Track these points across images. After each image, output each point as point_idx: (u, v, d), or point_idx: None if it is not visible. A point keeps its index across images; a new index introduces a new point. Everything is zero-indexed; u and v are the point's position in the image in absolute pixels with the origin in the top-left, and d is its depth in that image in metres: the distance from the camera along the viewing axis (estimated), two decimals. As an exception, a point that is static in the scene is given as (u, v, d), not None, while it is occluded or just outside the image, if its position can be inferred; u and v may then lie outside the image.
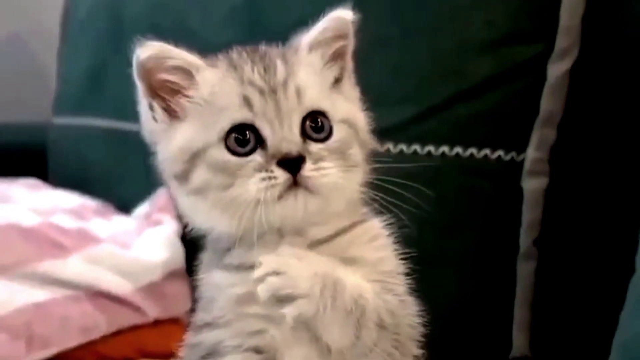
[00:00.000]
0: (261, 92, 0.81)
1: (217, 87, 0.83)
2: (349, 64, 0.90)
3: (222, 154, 0.81)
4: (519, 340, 1.41)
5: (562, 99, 1.39)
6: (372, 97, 1.41)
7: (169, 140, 0.84)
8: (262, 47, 0.87)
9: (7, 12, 2.71)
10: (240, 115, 0.81)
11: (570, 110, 1.38)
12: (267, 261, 0.79)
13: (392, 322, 0.81)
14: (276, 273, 0.78)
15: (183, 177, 0.83)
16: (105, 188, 1.90)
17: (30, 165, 2.10)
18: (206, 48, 1.75)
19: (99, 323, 1.46)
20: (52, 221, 1.58)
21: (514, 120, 1.40)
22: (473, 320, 1.42)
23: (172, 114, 0.85)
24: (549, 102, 1.38)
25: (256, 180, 0.79)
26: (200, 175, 0.82)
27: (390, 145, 1.42)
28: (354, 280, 0.80)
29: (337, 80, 0.88)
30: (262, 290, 0.78)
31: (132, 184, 1.84)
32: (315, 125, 0.83)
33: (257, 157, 0.80)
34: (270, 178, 0.79)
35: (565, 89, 1.39)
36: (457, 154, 1.41)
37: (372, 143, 0.89)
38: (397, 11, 1.45)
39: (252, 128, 0.81)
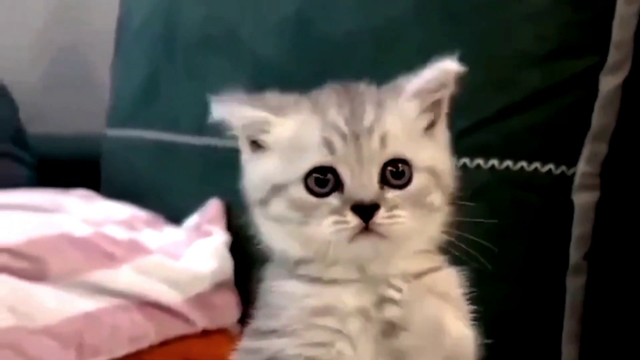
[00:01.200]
0: (343, 136, 0.82)
1: (300, 129, 0.84)
2: (445, 109, 0.90)
3: (300, 193, 0.83)
4: (568, 352, 1.39)
5: (614, 113, 1.37)
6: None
7: (254, 168, 0.87)
8: (360, 87, 0.88)
9: (66, 24, 2.76)
10: (322, 157, 0.82)
11: (621, 124, 1.37)
12: (406, 291, 0.82)
13: None
14: (406, 305, 0.81)
15: (263, 203, 0.86)
16: (156, 199, 1.92)
17: (85, 176, 2.13)
18: (257, 59, 1.77)
19: (147, 332, 1.47)
20: (103, 232, 1.60)
21: (565, 133, 1.38)
22: (522, 332, 1.41)
23: (257, 146, 0.87)
24: (601, 116, 1.37)
25: (329, 223, 0.81)
26: (279, 207, 0.84)
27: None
28: (457, 326, 0.81)
29: (431, 125, 0.88)
30: (389, 312, 0.82)
31: (183, 196, 1.86)
32: (396, 171, 0.83)
33: (333, 200, 0.82)
34: (342, 222, 0.81)
35: (617, 103, 1.37)
36: (507, 167, 1.39)
37: (455, 187, 0.90)
38: (447, 22, 1.44)
39: (333, 170, 0.82)
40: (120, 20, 2.24)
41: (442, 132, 0.91)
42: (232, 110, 0.86)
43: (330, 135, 0.82)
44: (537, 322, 1.41)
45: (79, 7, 2.76)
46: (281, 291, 0.86)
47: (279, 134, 0.85)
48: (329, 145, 0.82)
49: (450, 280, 0.87)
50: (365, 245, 0.81)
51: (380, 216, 0.81)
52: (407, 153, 0.84)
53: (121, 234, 1.63)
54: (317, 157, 0.82)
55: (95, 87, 2.65)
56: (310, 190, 0.83)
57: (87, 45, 2.74)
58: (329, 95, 0.86)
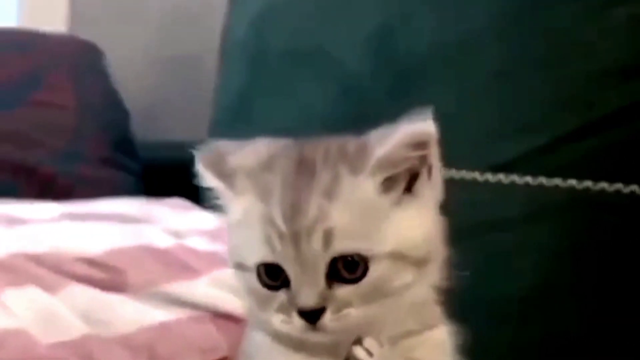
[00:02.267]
0: (281, 236, 0.75)
1: (247, 215, 0.79)
2: (431, 163, 0.80)
3: (254, 282, 0.79)
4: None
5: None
6: (496, 128, 1.40)
7: (229, 231, 0.83)
8: (319, 156, 0.79)
9: (179, 34, 2.82)
10: (264, 254, 0.77)
11: None
12: (377, 354, 0.77)
13: None
14: None
15: (235, 269, 0.83)
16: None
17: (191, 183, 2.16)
18: (345, 75, 1.77)
19: (220, 344, 1.47)
20: (185, 243, 1.62)
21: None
22: (601, 354, 1.36)
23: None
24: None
25: (277, 320, 0.78)
26: (242, 284, 0.82)
27: (515, 177, 1.38)
28: None
29: (408, 187, 0.80)
30: None
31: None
32: (349, 262, 0.75)
33: (281, 297, 0.77)
34: (289, 322, 0.77)
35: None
36: (587, 188, 1.34)
37: (443, 251, 0.82)
38: (526, 37, 1.40)
39: (280, 266, 0.77)
40: (225, 31, 2.27)
41: (427, 188, 0.81)
42: (203, 171, 0.83)
43: (269, 233, 0.76)
44: (617, 344, 1.36)
45: (192, 18, 2.81)
46: (252, 342, 0.84)
47: (236, 210, 0.80)
48: (269, 243, 0.76)
49: (436, 346, 0.82)
50: (321, 338, 0.77)
51: (327, 319, 0.75)
52: (361, 244, 0.75)
53: (204, 245, 1.65)
54: (261, 253, 0.77)
55: (207, 95, 2.69)
56: (261, 281, 0.78)
57: (200, 54, 2.78)
58: (280, 171, 0.79)
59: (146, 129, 2.52)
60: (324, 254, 0.75)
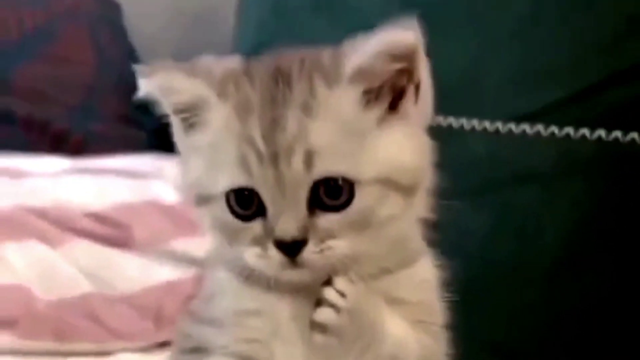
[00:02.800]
0: (259, 156, 0.67)
1: (220, 134, 0.70)
2: (416, 82, 0.72)
3: (223, 212, 0.69)
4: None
5: None
6: (520, 76, 1.32)
7: (187, 165, 0.73)
8: (294, 67, 0.70)
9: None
10: (238, 178, 0.68)
11: None
12: (351, 296, 0.69)
13: None
14: (348, 313, 0.69)
15: (197, 205, 0.73)
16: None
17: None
18: (365, 23, 1.69)
19: (229, 305, 1.43)
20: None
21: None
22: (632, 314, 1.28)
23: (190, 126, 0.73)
24: None
25: (251, 254, 0.69)
26: (207, 219, 0.72)
27: (540, 128, 1.30)
28: (398, 331, 0.71)
29: (393, 105, 0.71)
30: (323, 316, 0.69)
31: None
32: (332, 188, 0.68)
33: (256, 227, 0.69)
34: (265, 257, 0.68)
35: None
36: (616, 139, 1.26)
37: (431, 179, 0.73)
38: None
39: (255, 191, 0.68)
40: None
41: (415, 108, 0.72)
42: (163, 83, 0.71)
43: (246, 153, 0.67)
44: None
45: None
46: (217, 281, 0.75)
47: (209, 127, 0.70)
48: (245, 165, 0.67)
49: (419, 284, 0.74)
50: (297, 276, 0.69)
51: (309, 251, 0.67)
52: (345, 166, 0.67)
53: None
54: (234, 176, 0.68)
55: (226, 50, 2.63)
56: (232, 210, 0.69)
57: (218, 8, 2.72)
58: (258, 84, 0.70)
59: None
60: (306, 177, 0.67)
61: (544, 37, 1.32)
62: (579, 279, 1.29)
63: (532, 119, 1.30)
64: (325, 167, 0.67)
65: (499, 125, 1.31)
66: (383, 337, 0.70)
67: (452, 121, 1.33)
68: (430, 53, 0.72)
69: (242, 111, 0.69)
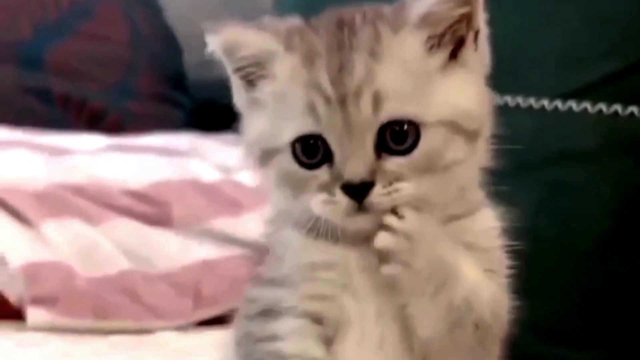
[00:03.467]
0: (327, 100, 0.68)
1: (288, 84, 0.71)
2: (476, 26, 0.73)
3: (289, 163, 0.71)
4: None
5: None
6: (567, 52, 1.29)
7: (249, 124, 0.74)
8: (358, 18, 0.72)
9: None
10: (305, 125, 0.69)
11: None
12: (411, 220, 0.69)
13: (492, 323, 0.71)
14: (407, 237, 0.69)
15: (258, 165, 0.74)
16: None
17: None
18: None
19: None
20: (234, 178, 1.56)
21: None
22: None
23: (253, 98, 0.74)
24: None
25: (318, 201, 0.69)
26: (272, 174, 0.73)
27: (588, 105, 1.27)
28: (472, 276, 0.71)
29: (453, 53, 0.72)
30: (381, 240, 0.69)
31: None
32: (398, 132, 0.69)
33: (322, 174, 0.70)
34: (332, 202, 0.69)
35: None
36: (667, 116, 1.24)
37: (491, 124, 0.74)
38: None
39: (321, 138, 0.69)
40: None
41: (474, 57, 0.73)
42: (231, 38, 0.72)
43: (314, 98, 0.68)
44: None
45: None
46: (283, 241, 0.75)
47: (277, 79, 0.71)
48: (312, 111, 0.68)
49: (485, 231, 0.74)
50: (364, 223, 0.69)
51: (376, 194, 0.68)
52: (412, 109, 0.69)
53: (253, 180, 1.58)
54: (301, 124, 0.69)
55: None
56: (299, 161, 0.70)
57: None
58: (323, 33, 0.71)
59: (201, 66, 2.45)
60: (374, 119, 0.68)
61: (592, 12, 1.29)
62: (622, 259, 1.26)
63: (579, 96, 1.27)
64: (392, 109, 0.68)
65: (545, 102, 1.28)
66: (457, 279, 0.69)
67: (497, 98, 1.31)
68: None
69: (309, 59, 0.70)
